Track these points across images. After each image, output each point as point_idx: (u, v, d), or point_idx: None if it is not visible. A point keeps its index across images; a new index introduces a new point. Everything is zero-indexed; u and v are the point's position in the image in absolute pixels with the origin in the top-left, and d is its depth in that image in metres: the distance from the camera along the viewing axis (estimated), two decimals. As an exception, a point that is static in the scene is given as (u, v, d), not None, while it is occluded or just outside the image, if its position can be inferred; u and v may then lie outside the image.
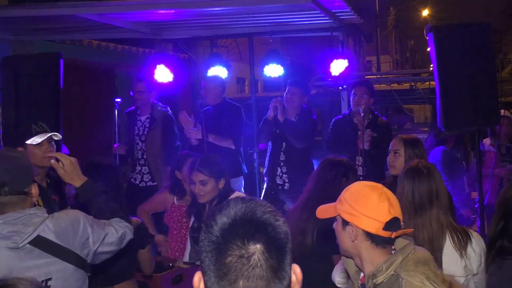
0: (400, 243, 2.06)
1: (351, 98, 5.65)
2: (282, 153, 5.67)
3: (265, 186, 5.94)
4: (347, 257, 2.19)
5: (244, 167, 5.91)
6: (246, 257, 1.19)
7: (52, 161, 2.75)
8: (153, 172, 5.87)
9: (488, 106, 4.54)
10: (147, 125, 5.92)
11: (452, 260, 2.72)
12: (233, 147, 5.77)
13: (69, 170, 2.76)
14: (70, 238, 2.44)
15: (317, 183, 3.48)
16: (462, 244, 2.76)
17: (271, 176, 5.65)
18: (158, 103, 6.03)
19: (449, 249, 2.75)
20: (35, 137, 3.42)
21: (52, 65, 4.72)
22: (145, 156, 5.88)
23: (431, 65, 4.98)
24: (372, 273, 2.00)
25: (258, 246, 1.20)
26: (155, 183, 5.88)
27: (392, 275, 1.97)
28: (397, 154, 3.73)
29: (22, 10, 5.70)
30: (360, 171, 5.29)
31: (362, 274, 2.14)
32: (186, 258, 3.98)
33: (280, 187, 5.68)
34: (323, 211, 2.19)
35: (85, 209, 2.75)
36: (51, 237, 2.38)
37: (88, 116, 8.20)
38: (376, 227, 2.00)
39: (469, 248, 2.77)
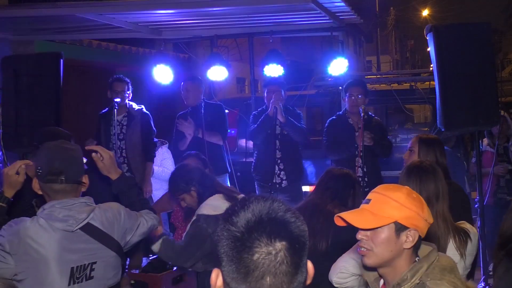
0: (423, 250, 1.98)
1: (346, 99, 5.59)
2: (277, 151, 5.69)
3: (256, 187, 5.94)
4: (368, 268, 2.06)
5: (227, 165, 5.95)
6: (274, 254, 1.22)
7: (94, 154, 2.89)
8: (133, 170, 5.84)
9: (488, 106, 4.54)
10: (125, 123, 5.91)
11: None
12: (221, 143, 5.84)
13: (108, 163, 2.90)
14: (114, 228, 2.64)
15: (326, 191, 3.50)
16: (462, 244, 2.75)
17: (269, 175, 5.64)
18: (130, 102, 6.03)
19: (451, 250, 2.73)
20: None
21: (52, 65, 4.73)
22: (124, 154, 5.86)
23: (431, 65, 4.98)
24: (396, 282, 1.92)
25: (284, 243, 1.22)
26: None
27: (418, 283, 1.89)
28: (412, 151, 3.75)
29: (22, 10, 5.70)
30: (359, 172, 5.29)
31: (382, 282, 2.06)
32: None
33: (277, 185, 5.69)
34: (361, 218, 1.94)
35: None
36: (98, 225, 2.58)
37: (88, 116, 8.20)
38: (426, 230, 1.97)
39: (468, 246, 2.77)
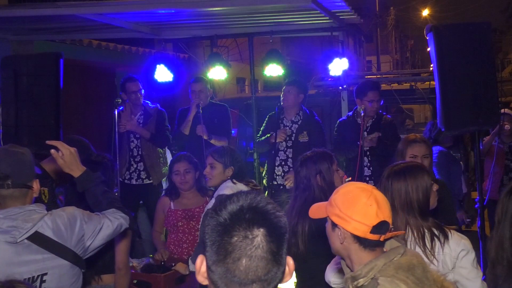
0: (391, 245, 2.05)
1: (369, 105, 5.41)
2: (289, 149, 5.67)
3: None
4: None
5: None
6: (250, 238, 1.31)
7: (52, 150, 2.73)
8: (148, 168, 5.89)
9: (488, 106, 4.53)
10: (141, 122, 5.97)
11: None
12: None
13: (68, 160, 2.74)
14: (67, 236, 2.47)
15: (298, 184, 3.51)
16: (425, 243, 2.70)
17: (271, 175, 5.65)
18: (146, 101, 6.08)
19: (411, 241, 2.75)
20: None
21: (52, 65, 4.71)
22: (140, 152, 5.90)
23: (431, 65, 4.98)
24: (350, 275, 2.02)
25: (261, 230, 1.33)
26: (151, 181, 5.92)
27: (372, 279, 1.97)
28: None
29: (22, 10, 5.69)
30: (366, 172, 5.30)
31: None
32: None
33: (281, 187, 5.68)
34: (316, 210, 2.21)
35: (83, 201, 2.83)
36: (48, 233, 2.42)
37: (88, 116, 8.20)
38: (363, 231, 2.01)
39: (445, 247, 2.71)
